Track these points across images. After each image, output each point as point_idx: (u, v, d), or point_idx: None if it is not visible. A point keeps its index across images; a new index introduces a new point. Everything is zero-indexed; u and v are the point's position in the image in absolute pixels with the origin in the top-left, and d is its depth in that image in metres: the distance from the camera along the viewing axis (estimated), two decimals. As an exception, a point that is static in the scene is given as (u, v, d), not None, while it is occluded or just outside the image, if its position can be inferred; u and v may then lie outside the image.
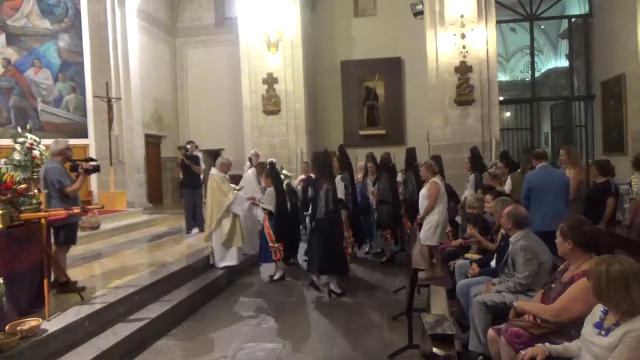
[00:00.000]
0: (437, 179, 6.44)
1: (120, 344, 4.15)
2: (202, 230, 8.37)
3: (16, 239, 3.93)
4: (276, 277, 6.72)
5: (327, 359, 4.19)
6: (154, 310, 4.90)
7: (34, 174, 4.52)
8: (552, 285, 3.07)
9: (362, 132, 14.28)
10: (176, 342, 4.63)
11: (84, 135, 10.71)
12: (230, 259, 6.60)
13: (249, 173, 8.23)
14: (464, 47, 11.16)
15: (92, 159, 5.43)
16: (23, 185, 4.15)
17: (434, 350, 2.23)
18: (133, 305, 4.84)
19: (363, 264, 7.61)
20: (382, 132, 14.04)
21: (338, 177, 6.74)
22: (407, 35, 13.61)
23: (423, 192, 6.49)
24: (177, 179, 15.27)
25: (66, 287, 4.70)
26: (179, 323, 5.08)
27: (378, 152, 10.51)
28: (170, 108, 15.28)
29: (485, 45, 11.20)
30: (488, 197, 4.82)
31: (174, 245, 7.71)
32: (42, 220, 4.20)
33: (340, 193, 6.54)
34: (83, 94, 10.85)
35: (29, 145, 6.61)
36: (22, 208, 4.06)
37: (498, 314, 3.52)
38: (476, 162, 6.93)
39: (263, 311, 5.47)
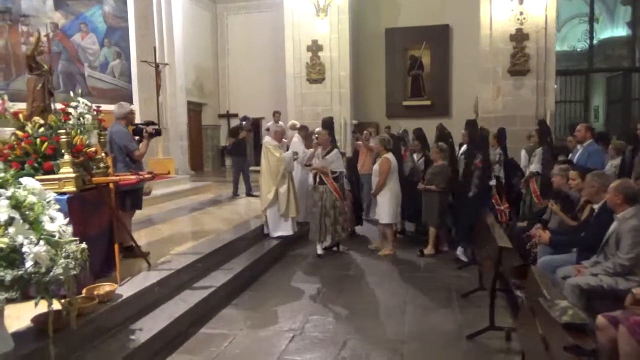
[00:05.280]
0: (389, 155, 6.31)
1: (189, 312, 4.11)
2: (249, 194, 8.78)
3: (89, 202, 3.86)
4: None
5: (400, 335, 4.04)
6: (217, 279, 4.85)
7: (101, 137, 4.42)
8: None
9: (405, 103, 13.87)
10: (241, 311, 4.58)
11: (129, 101, 10.54)
12: (284, 229, 6.49)
13: (295, 139, 8.06)
14: (521, 13, 10.58)
15: (153, 123, 5.33)
16: (93, 148, 4.07)
17: (572, 341, 2.03)
18: (197, 273, 4.80)
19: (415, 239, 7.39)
20: (427, 102, 13.60)
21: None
22: (456, 1, 12.98)
23: (375, 168, 6.41)
24: (217, 147, 15.32)
25: (131, 251, 4.68)
26: (241, 292, 5.03)
27: (422, 124, 10.07)
28: (211, 75, 15.14)
29: (545, 11, 10.59)
30: (574, 173, 4.48)
31: (224, 213, 7.68)
32: (111, 185, 4.13)
33: None
34: (128, 59, 10.73)
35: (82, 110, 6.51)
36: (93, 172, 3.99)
37: (593, 297, 3.31)
38: (545, 135, 6.57)
39: (322, 284, 5.37)
